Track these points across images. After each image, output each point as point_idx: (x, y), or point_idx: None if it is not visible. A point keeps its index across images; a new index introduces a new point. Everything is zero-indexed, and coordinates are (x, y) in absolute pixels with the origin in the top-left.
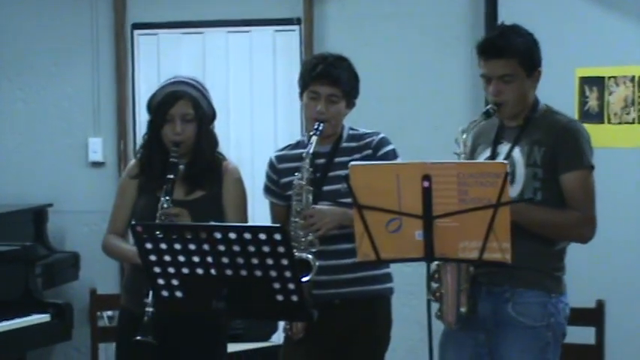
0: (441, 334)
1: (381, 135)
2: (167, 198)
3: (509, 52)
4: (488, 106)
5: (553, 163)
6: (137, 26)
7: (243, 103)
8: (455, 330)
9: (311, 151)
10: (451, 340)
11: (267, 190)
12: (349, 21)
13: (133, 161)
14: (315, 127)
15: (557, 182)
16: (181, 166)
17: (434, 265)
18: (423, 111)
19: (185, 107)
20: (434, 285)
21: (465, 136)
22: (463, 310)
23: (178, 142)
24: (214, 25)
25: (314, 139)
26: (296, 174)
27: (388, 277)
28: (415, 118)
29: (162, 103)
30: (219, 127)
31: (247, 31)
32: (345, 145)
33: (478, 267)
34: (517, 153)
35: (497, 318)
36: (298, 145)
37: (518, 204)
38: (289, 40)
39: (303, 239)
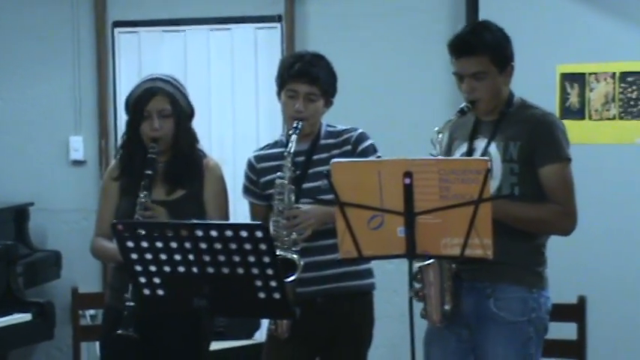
0: (425, 332)
1: (359, 130)
2: (145, 193)
3: (480, 49)
4: (462, 105)
5: (530, 157)
6: (118, 24)
7: (225, 101)
8: (439, 327)
9: (292, 150)
10: (435, 337)
11: (247, 191)
12: (330, 19)
13: (113, 162)
14: (294, 125)
15: (534, 176)
16: (160, 164)
17: (415, 266)
18: (403, 108)
19: (161, 103)
20: (417, 285)
21: (440, 136)
22: (447, 307)
23: (156, 137)
24: (195, 22)
25: (294, 137)
26: (278, 173)
27: (369, 273)
28: (395, 116)
29: (139, 100)
30: (200, 125)
31: (228, 29)
32: (323, 142)
33: (460, 263)
34: (493, 149)
35: (479, 314)
36: (276, 144)
37: (498, 201)
38: (271, 37)
39: (286, 238)
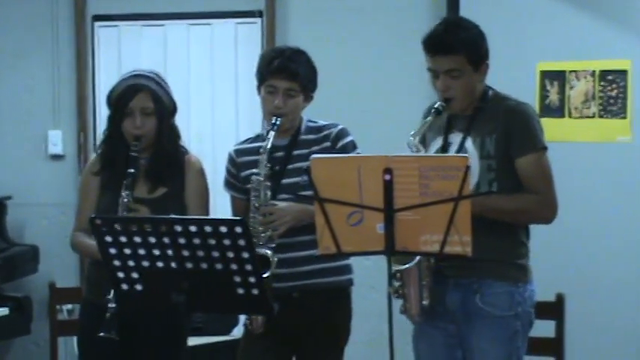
0: (413, 330)
1: (340, 126)
2: (127, 193)
3: (455, 48)
4: (437, 104)
5: (506, 149)
6: (97, 18)
7: (205, 96)
8: (426, 324)
9: (268, 146)
10: (423, 333)
11: (228, 184)
12: (311, 14)
13: (93, 157)
14: (273, 121)
15: (511, 169)
16: (142, 161)
17: (394, 268)
18: (383, 104)
19: (144, 100)
20: (396, 284)
21: (416, 140)
22: (425, 303)
23: (139, 135)
24: (175, 17)
25: (271, 134)
26: (254, 169)
27: (348, 269)
28: (376, 111)
29: (122, 97)
30: (179, 119)
31: (208, 24)
32: (303, 137)
33: (443, 260)
34: (469, 144)
35: (465, 309)
36: (258, 138)
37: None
38: (251, 32)
39: (262, 234)
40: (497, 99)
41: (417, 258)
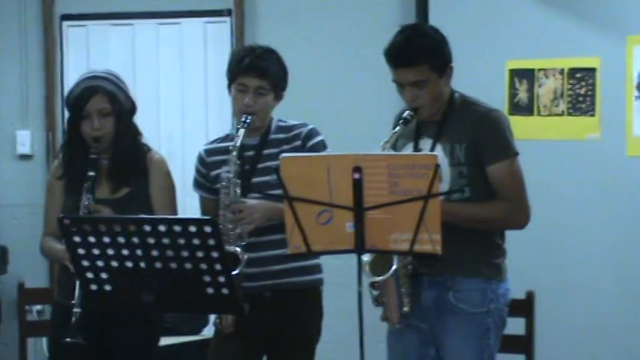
0: (387, 333)
1: (310, 126)
2: (89, 196)
3: (417, 59)
4: (405, 113)
5: (477, 156)
6: (66, 17)
7: (174, 96)
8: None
9: (238, 144)
10: (396, 332)
11: (197, 184)
12: (280, 13)
13: (56, 161)
14: (243, 119)
15: (483, 175)
16: (104, 161)
17: (371, 280)
18: (353, 103)
19: (101, 102)
20: (374, 293)
21: (387, 149)
22: (406, 309)
23: (97, 137)
24: (144, 16)
25: (241, 132)
26: (224, 167)
27: (318, 268)
28: (345, 111)
29: (78, 100)
30: (149, 119)
31: (177, 23)
32: (273, 136)
33: (417, 259)
34: (439, 151)
35: (438, 306)
36: (227, 137)
37: (448, 205)
38: (220, 31)
39: (231, 232)
40: (466, 104)
41: (393, 268)
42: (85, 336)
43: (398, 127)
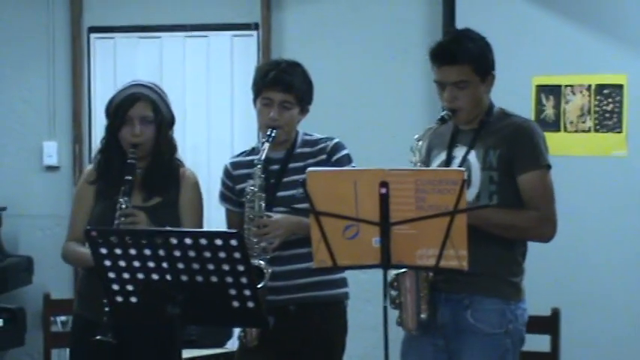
0: (402, 341)
1: (336, 140)
2: (126, 199)
3: (462, 58)
4: (443, 112)
5: (509, 164)
6: (94, 30)
7: (200, 108)
8: (415, 336)
9: (263, 157)
10: (412, 347)
11: (223, 197)
12: (307, 27)
13: (90, 166)
14: (268, 133)
15: (513, 184)
16: (139, 170)
17: (392, 274)
18: (379, 117)
19: (144, 109)
20: (393, 293)
21: (420, 143)
22: (423, 316)
23: (136, 143)
24: (172, 29)
25: (266, 145)
26: (249, 181)
27: (343, 282)
28: (372, 125)
29: (121, 105)
30: (175, 131)
31: (205, 36)
32: (299, 150)
33: (437, 274)
34: (473, 157)
35: (456, 325)
36: (253, 151)
37: (477, 210)
38: (247, 45)
39: (256, 246)
40: (503, 115)
41: None
42: (115, 335)
43: (433, 124)
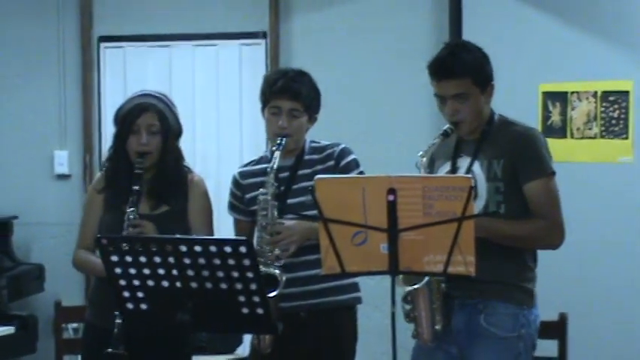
0: (412, 348)
1: (342, 146)
2: (133, 209)
3: (461, 71)
4: (445, 126)
5: (514, 173)
6: (104, 39)
7: (209, 117)
8: (429, 345)
9: (275, 166)
10: (423, 354)
11: (232, 207)
12: (315, 35)
13: (99, 175)
14: (278, 142)
15: (519, 193)
16: (146, 179)
17: (405, 289)
18: (387, 125)
19: (151, 119)
20: (407, 307)
21: (424, 159)
22: (438, 327)
23: (143, 153)
24: (181, 38)
25: (277, 154)
26: (261, 189)
27: (355, 287)
28: (379, 133)
29: (129, 114)
30: (184, 140)
31: (213, 45)
32: (307, 157)
33: (449, 281)
34: (477, 168)
35: (470, 330)
36: (261, 160)
37: (485, 220)
38: (255, 54)
39: (269, 254)
40: (505, 123)
41: (427, 278)
42: (126, 348)
43: (436, 140)
